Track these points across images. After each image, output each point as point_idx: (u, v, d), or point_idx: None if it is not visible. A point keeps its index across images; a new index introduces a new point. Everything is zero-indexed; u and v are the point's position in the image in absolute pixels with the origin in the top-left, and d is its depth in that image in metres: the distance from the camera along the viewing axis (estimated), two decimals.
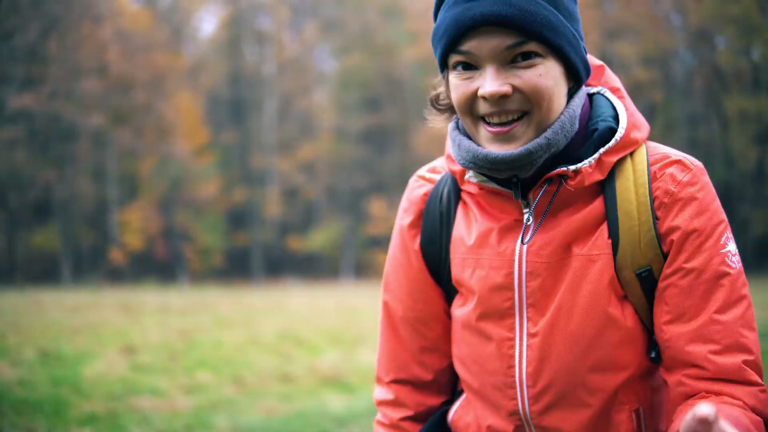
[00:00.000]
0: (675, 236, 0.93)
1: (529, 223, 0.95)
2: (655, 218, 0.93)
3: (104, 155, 32.37)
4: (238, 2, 34.74)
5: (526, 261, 0.95)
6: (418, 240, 1.07)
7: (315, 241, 35.50)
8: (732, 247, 0.95)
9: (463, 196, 1.03)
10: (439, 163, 1.09)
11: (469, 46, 0.89)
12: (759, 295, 14.93)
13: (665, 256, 0.93)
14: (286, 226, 39.38)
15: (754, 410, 0.88)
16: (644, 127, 0.97)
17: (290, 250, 37.68)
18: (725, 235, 0.94)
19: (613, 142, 0.94)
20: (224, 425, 5.09)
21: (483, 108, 0.91)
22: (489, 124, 0.92)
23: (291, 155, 38.14)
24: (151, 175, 33.09)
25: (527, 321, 0.96)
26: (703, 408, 0.65)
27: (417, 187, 1.09)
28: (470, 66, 0.91)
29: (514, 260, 0.96)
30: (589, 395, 0.95)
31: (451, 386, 1.14)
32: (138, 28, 32.13)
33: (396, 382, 1.11)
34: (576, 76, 0.93)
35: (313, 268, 38.11)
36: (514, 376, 0.98)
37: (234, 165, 39.63)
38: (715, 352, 0.90)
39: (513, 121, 0.90)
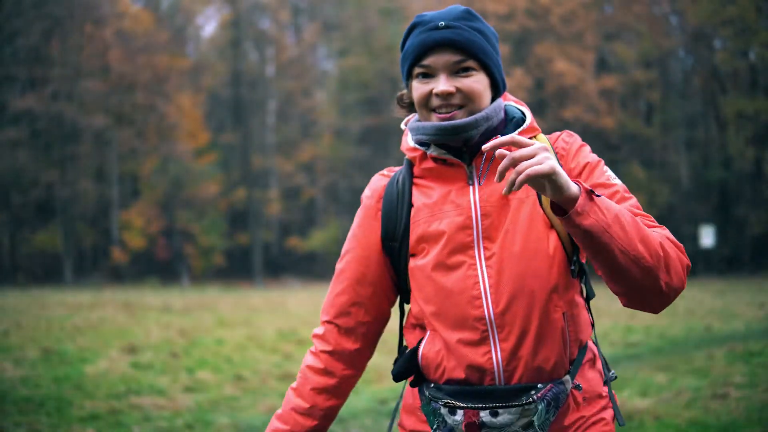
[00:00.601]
0: (576, 170, 1.34)
1: (474, 180, 1.34)
2: (560, 162, 1.34)
3: (106, 156, 32.44)
4: (238, 3, 34.78)
5: (480, 206, 1.32)
6: (379, 215, 1.40)
7: (315, 241, 35.53)
8: (611, 173, 1.36)
9: (417, 177, 1.39)
10: (390, 168, 1.47)
11: (429, 60, 1.31)
12: (757, 295, 14.77)
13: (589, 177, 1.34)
14: (286, 226, 39.42)
15: (665, 236, 1.27)
16: (536, 123, 1.40)
17: (291, 249, 37.71)
18: (605, 167, 1.37)
19: (525, 125, 1.37)
20: (225, 424, 5.13)
21: (435, 102, 1.31)
22: (438, 113, 1.32)
23: (291, 155, 38.18)
24: (152, 175, 33.14)
25: (484, 249, 1.31)
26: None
27: (377, 180, 1.45)
28: (428, 75, 1.32)
29: (470, 207, 1.32)
30: (533, 296, 1.28)
31: (368, 339, 1.47)
32: (139, 30, 32.17)
33: (328, 322, 1.48)
34: (497, 87, 1.36)
35: (313, 267, 38.14)
36: (479, 290, 1.30)
37: (235, 165, 39.67)
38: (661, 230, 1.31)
39: (453, 110, 1.31)
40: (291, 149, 38.61)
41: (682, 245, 1.30)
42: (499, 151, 1.12)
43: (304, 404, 1.45)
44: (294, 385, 1.48)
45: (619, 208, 1.19)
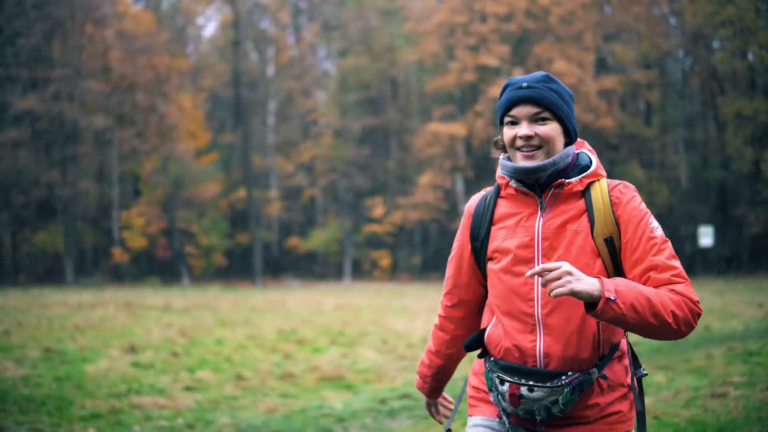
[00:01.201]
0: (622, 219, 1.67)
1: (542, 210, 1.71)
2: (613, 211, 1.68)
3: (107, 156, 32.46)
4: (238, 4, 34.78)
5: (541, 231, 1.70)
6: (469, 222, 1.83)
7: (315, 241, 35.54)
8: (655, 224, 1.67)
9: (501, 198, 1.80)
10: (486, 188, 1.88)
11: (515, 111, 1.72)
12: (756, 295, 14.74)
13: (619, 231, 1.67)
14: (286, 226, 39.43)
15: (680, 294, 1.59)
16: (604, 171, 1.76)
17: (291, 249, 37.73)
18: (650, 218, 1.68)
19: (589, 171, 1.73)
20: (225, 423, 5.15)
21: (519, 143, 1.71)
22: (522, 151, 1.71)
23: (291, 155, 38.19)
24: (153, 175, 33.16)
25: (540, 258, 1.69)
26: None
27: (473, 198, 1.89)
28: (514, 123, 1.73)
29: (534, 231, 1.71)
30: (574, 307, 1.65)
31: (471, 309, 1.89)
32: (140, 30, 32.19)
33: (445, 299, 1.92)
34: (569, 135, 1.73)
35: (313, 267, 38.16)
36: (533, 295, 1.68)
37: (235, 165, 39.69)
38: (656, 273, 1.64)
39: (533, 150, 1.70)
40: (291, 149, 38.62)
41: (697, 299, 1.60)
42: (538, 269, 1.53)
43: (433, 348, 1.97)
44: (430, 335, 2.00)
45: (635, 294, 1.54)
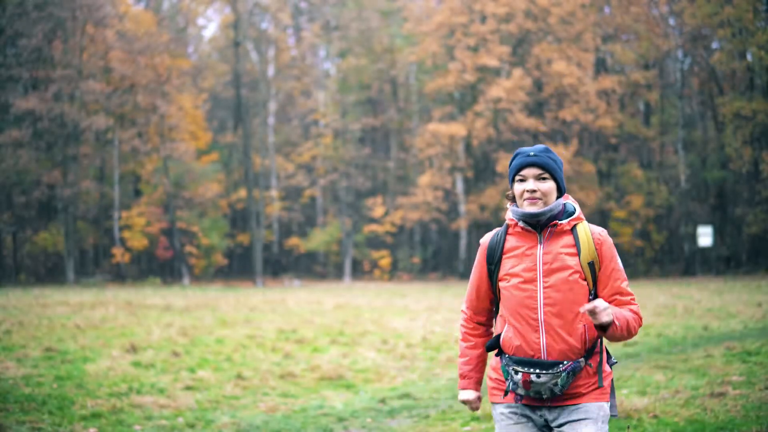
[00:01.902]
0: (600, 253, 2.32)
1: (541, 243, 2.32)
2: (596, 247, 2.32)
3: (108, 156, 32.49)
4: (239, 4, 34.80)
5: (542, 258, 2.30)
6: (485, 251, 2.41)
7: (315, 241, 35.55)
8: (617, 261, 2.34)
9: (508, 236, 2.38)
10: (496, 229, 2.44)
11: (524, 172, 2.33)
12: (755, 294, 14.72)
13: (599, 260, 2.32)
14: (286, 226, 39.45)
15: (635, 313, 2.30)
16: (583, 216, 2.38)
17: (291, 249, 37.74)
18: (617, 258, 2.34)
19: (574, 215, 2.35)
20: (226, 422, 5.17)
21: (526, 195, 2.32)
22: (528, 201, 2.32)
23: (292, 156, 38.21)
24: (153, 175, 33.18)
25: (542, 282, 2.28)
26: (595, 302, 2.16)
27: (487, 235, 2.46)
28: (523, 180, 2.34)
29: (536, 258, 2.31)
30: (568, 313, 2.26)
31: (489, 315, 2.48)
32: (141, 31, 32.21)
33: (466, 308, 2.51)
34: (561, 190, 2.36)
35: (313, 267, 38.17)
36: (536, 305, 2.28)
37: (235, 165, 39.71)
38: (634, 308, 2.34)
39: (536, 200, 2.31)
40: (291, 149, 38.63)
41: (640, 314, 2.35)
42: (589, 306, 2.17)
43: (464, 345, 2.52)
44: (459, 336, 2.56)
45: (623, 319, 2.26)
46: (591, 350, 2.29)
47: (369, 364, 7.57)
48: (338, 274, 35.78)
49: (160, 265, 34.55)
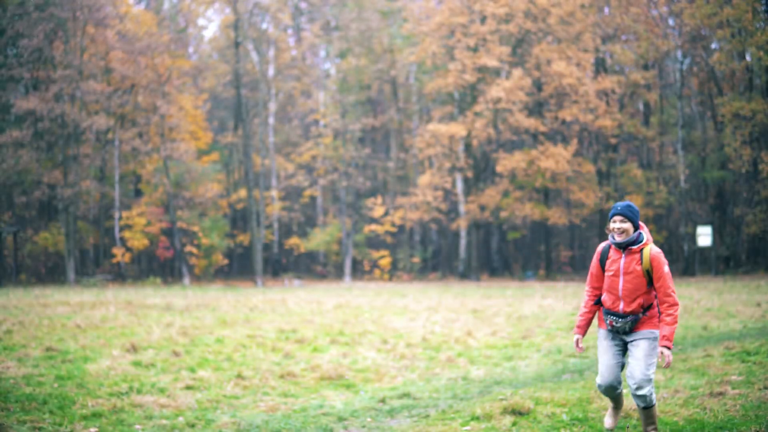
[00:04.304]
0: (654, 264, 4.25)
1: (624, 257, 4.29)
2: (651, 262, 4.23)
3: (108, 156, 32.51)
4: (239, 5, 34.82)
5: (623, 265, 4.27)
6: (599, 255, 4.39)
7: (315, 241, 35.57)
8: (666, 268, 4.23)
9: (610, 249, 4.35)
10: (604, 242, 4.44)
11: (615, 218, 4.30)
12: (754, 294, 14.69)
13: (652, 269, 4.24)
14: (287, 226, 39.47)
15: (671, 315, 4.22)
16: (651, 239, 4.29)
17: (291, 249, 37.76)
18: (664, 268, 4.21)
19: (641, 243, 4.27)
20: (226, 422, 5.18)
21: (616, 232, 4.29)
22: (615, 233, 4.31)
23: (292, 156, 38.23)
24: (154, 175, 33.20)
25: (622, 277, 4.26)
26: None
27: (601, 246, 4.42)
28: (614, 221, 4.30)
29: (620, 265, 4.28)
30: (632, 293, 4.26)
31: (598, 295, 4.44)
32: (141, 31, 32.24)
33: (589, 289, 4.51)
34: (636, 227, 4.28)
35: (313, 267, 38.19)
36: (618, 287, 4.29)
37: (236, 165, 39.73)
38: (671, 304, 4.24)
39: (620, 234, 4.28)
40: (291, 149, 38.66)
41: (675, 312, 4.19)
42: (663, 351, 4.14)
43: (585, 309, 4.47)
44: (582, 303, 4.52)
45: (670, 333, 4.15)
46: (646, 309, 4.25)
47: (369, 363, 7.59)
48: (338, 274, 35.80)
49: (161, 265, 34.57)
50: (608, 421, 4.51)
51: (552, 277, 32.31)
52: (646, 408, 4.19)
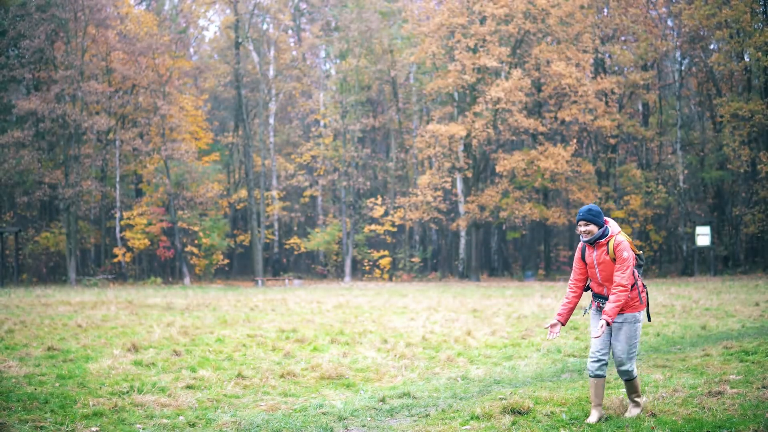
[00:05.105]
0: (616, 254, 4.89)
1: (595, 250, 4.96)
2: (614, 249, 4.89)
3: (109, 156, 32.54)
4: (240, 6, 34.84)
5: (595, 256, 4.94)
6: (580, 251, 5.07)
7: (316, 241, 35.59)
8: (625, 253, 4.83)
9: (585, 245, 5.05)
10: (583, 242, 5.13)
11: (579, 223, 4.96)
12: (753, 294, 14.70)
13: (615, 256, 4.89)
14: (287, 226, 39.49)
15: (616, 293, 4.82)
16: (618, 231, 4.96)
17: (291, 249, 37.79)
18: (624, 254, 4.82)
19: (606, 236, 4.92)
20: (226, 421, 5.20)
21: (583, 234, 4.96)
22: (582, 234, 4.97)
23: (292, 156, 38.25)
24: (154, 175, 33.23)
25: (597, 267, 4.95)
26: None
27: (579, 245, 5.09)
28: (579, 225, 5.00)
29: (593, 256, 4.95)
30: (609, 278, 4.92)
31: (582, 286, 5.08)
32: (142, 32, 32.28)
33: (572, 282, 5.12)
34: (601, 225, 4.92)
35: (313, 267, 38.21)
36: (596, 275, 4.98)
37: (236, 165, 39.75)
38: (618, 284, 4.84)
39: (586, 234, 4.95)
40: (292, 149, 38.68)
41: (619, 290, 4.77)
42: (601, 323, 4.78)
43: (569, 297, 5.05)
44: (567, 293, 5.13)
45: (612, 309, 4.74)
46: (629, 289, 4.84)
47: (369, 363, 7.61)
48: (338, 274, 35.81)
49: (161, 265, 34.60)
50: (593, 417, 4.88)
51: (551, 277, 32.33)
52: (629, 380, 4.93)
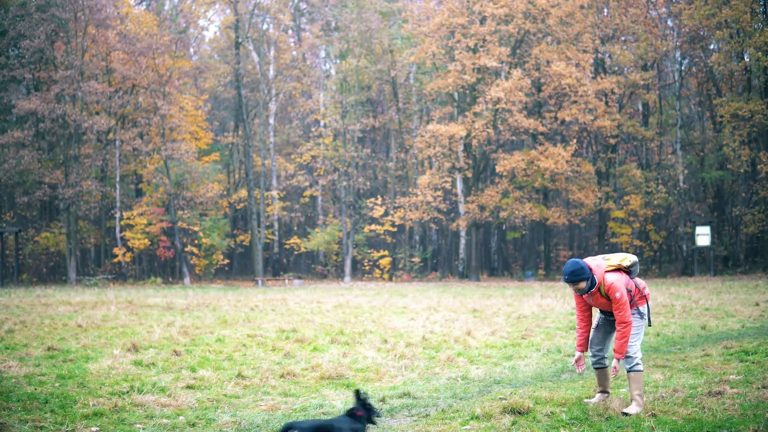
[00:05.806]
0: (611, 296, 5.24)
1: (590, 297, 5.37)
2: (608, 293, 5.27)
3: (109, 156, 32.54)
4: (240, 6, 34.85)
5: (592, 301, 5.36)
6: (577, 298, 5.49)
7: (316, 241, 35.59)
8: (618, 294, 5.20)
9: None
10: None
11: (567, 284, 5.58)
12: (752, 294, 14.71)
13: (610, 299, 5.31)
14: (287, 226, 39.50)
15: (621, 331, 5.23)
16: (601, 273, 5.26)
17: (291, 249, 37.78)
18: (617, 293, 5.19)
19: (596, 284, 5.26)
20: (226, 421, 5.21)
21: (575, 291, 5.33)
22: (576, 291, 5.35)
23: (292, 156, 38.25)
24: (154, 175, 33.23)
25: (597, 306, 5.38)
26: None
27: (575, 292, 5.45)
28: (570, 286, 5.36)
29: (590, 301, 5.36)
30: (609, 309, 5.39)
31: (590, 314, 5.44)
32: (142, 32, 32.28)
33: (578, 314, 5.48)
34: (588, 278, 5.24)
35: (313, 267, 38.21)
36: (597, 307, 5.45)
37: (236, 165, 39.75)
38: (620, 321, 5.25)
39: (578, 291, 5.31)
40: (292, 149, 38.68)
41: (623, 327, 5.16)
42: (615, 365, 5.21)
43: (581, 328, 5.43)
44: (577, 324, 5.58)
45: (620, 349, 5.14)
46: (629, 300, 5.24)
47: (369, 363, 7.61)
48: (338, 274, 35.82)
49: (162, 265, 34.60)
50: (593, 399, 5.43)
51: (551, 277, 32.33)
52: (631, 371, 5.16)
